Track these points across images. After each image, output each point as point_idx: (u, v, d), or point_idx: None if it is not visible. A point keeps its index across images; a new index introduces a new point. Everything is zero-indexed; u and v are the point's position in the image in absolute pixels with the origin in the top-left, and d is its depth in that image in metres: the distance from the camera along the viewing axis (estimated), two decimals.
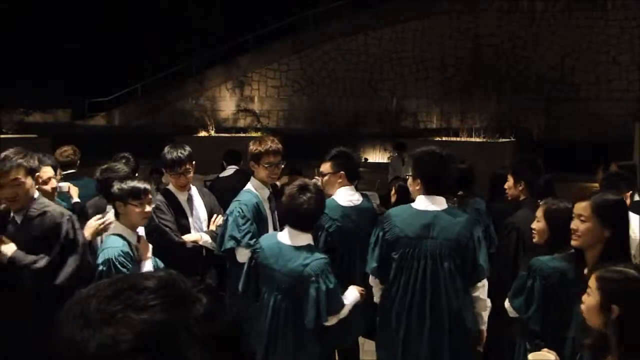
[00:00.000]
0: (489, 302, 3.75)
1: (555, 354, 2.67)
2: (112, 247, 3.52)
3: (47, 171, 4.13)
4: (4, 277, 3.40)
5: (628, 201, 4.38)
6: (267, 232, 4.31)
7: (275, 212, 4.50)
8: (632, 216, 4.01)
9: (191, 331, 0.91)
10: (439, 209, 3.64)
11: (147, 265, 3.69)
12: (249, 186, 4.39)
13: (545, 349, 2.72)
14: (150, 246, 3.79)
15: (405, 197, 4.73)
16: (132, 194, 3.61)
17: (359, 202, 4.42)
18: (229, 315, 1.00)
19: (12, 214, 3.56)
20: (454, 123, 15.88)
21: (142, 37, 18.44)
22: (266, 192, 4.40)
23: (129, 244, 3.60)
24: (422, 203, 3.65)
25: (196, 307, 0.94)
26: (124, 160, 5.10)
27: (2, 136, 13.80)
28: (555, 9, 16.33)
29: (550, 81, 16.19)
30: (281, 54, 18.31)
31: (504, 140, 14.04)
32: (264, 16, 18.08)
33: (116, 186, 3.67)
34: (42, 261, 3.40)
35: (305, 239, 3.57)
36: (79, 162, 6.05)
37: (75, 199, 4.86)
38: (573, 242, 2.99)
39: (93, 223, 3.86)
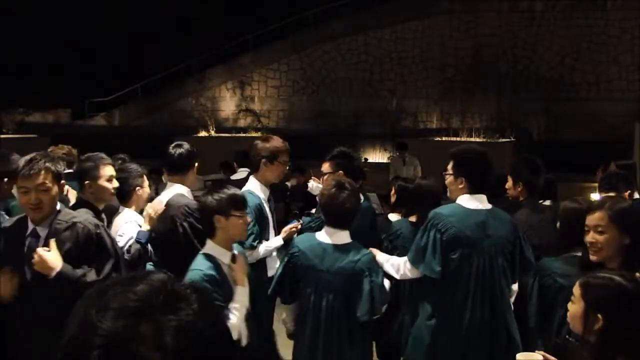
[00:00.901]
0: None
1: (544, 355, 2.56)
2: (197, 269, 3.12)
3: (109, 169, 3.99)
4: (44, 287, 3.04)
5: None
6: (269, 233, 4.31)
7: (274, 213, 4.50)
8: None
9: (162, 343, 0.87)
10: (487, 207, 3.68)
11: (242, 292, 3.17)
12: (250, 187, 4.37)
13: (539, 352, 2.64)
14: (246, 267, 3.34)
15: (405, 197, 4.72)
16: (234, 204, 3.23)
17: (361, 201, 4.45)
18: (218, 327, 0.94)
19: (30, 227, 3.18)
20: (454, 123, 15.89)
21: (142, 37, 18.45)
22: (267, 193, 4.40)
23: (219, 266, 3.17)
24: (471, 202, 3.66)
25: (177, 317, 0.89)
26: (119, 162, 5.08)
27: (2, 136, 13.81)
28: (555, 9, 16.33)
29: (550, 81, 16.19)
30: (281, 54, 18.31)
31: (504, 140, 14.06)
32: (264, 16, 18.08)
33: (212, 198, 3.24)
34: (92, 274, 3.10)
35: (345, 236, 3.57)
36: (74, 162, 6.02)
37: (73, 202, 4.83)
38: (592, 257, 2.82)
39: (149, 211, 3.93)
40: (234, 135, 16.24)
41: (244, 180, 6.54)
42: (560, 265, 3.21)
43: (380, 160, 15.70)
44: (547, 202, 5.07)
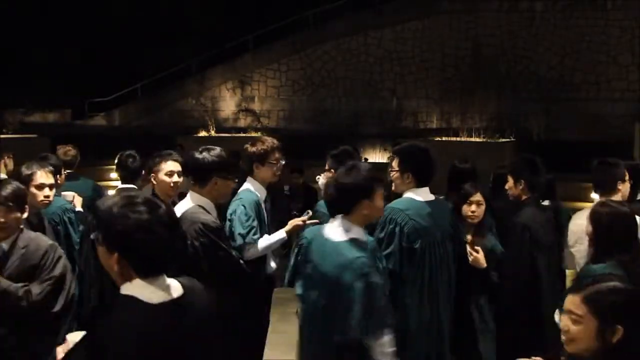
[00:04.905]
0: None
1: None
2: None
3: (171, 165, 4.17)
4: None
5: (619, 197, 4.27)
6: (263, 233, 4.32)
7: (269, 214, 4.51)
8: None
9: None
10: (431, 199, 3.94)
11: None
12: (248, 187, 4.38)
13: (536, 358, 2.52)
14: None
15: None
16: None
17: None
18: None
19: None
20: (454, 123, 15.87)
21: (142, 37, 18.44)
22: (264, 194, 4.41)
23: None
24: (419, 195, 3.89)
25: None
26: (130, 159, 5.09)
27: (3, 136, 13.81)
28: (555, 9, 16.33)
29: (550, 81, 16.18)
30: (281, 54, 18.30)
31: (504, 140, 14.05)
32: (264, 16, 18.07)
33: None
34: (35, 288, 3.35)
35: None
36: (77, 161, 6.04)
37: (79, 209, 4.84)
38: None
39: None
40: (234, 135, 16.24)
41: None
42: (608, 272, 2.99)
43: (380, 160, 15.69)
44: (546, 202, 5.06)
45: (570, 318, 2.18)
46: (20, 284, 3.32)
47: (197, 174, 3.66)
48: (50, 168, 4.19)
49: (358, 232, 3.22)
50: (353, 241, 3.18)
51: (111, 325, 1.90)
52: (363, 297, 3.04)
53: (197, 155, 3.66)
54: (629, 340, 2.09)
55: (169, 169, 4.14)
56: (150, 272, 1.96)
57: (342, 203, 3.25)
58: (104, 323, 1.94)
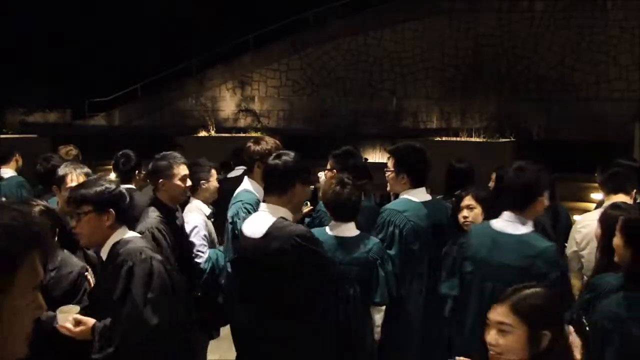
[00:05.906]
0: None
1: None
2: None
3: (183, 169, 4.04)
4: None
5: (632, 200, 4.26)
6: None
7: None
8: None
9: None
10: (428, 199, 3.99)
11: None
12: (246, 187, 4.36)
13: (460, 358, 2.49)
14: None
15: None
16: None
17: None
18: None
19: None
20: (454, 123, 15.87)
21: (142, 37, 18.44)
22: (262, 193, 4.41)
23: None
24: (415, 195, 3.93)
25: None
26: (122, 160, 5.08)
27: (3, 136, 13.81)
28: (555, 9, 16.32)
29: (550, 81, 16.18)
30: (281, 54, 18.31)
31: (504, 140, 14.03)
32: (264, 16, 18.07)
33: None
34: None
35: (352, 228, 3.75)
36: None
37: None
38: None
39: None
40: (234, 135, 16.23)
41: (240, 178, 6.49)
42: (621, 282, 2.85)
43: (380, 160, 15.70)
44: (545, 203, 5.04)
45: (499, 330, 2.10)
46: (51, 313, 3.00)
47: (272, 183, 3.41)
48: (86, 170, 4.00)
49: (532, 226, 3.41)
50: (535, 233, 3.37)
51: (143, 252, 2.95)
52: (559, 284, 3.14)
53: (272, 162, 3.41)
54: (555, 344, 2.10)
55: (183, 173, 4.00)
56: (126, 221, 3.12)
57: (519, 200, 3.37)
58: (137, 253, 2.94)
